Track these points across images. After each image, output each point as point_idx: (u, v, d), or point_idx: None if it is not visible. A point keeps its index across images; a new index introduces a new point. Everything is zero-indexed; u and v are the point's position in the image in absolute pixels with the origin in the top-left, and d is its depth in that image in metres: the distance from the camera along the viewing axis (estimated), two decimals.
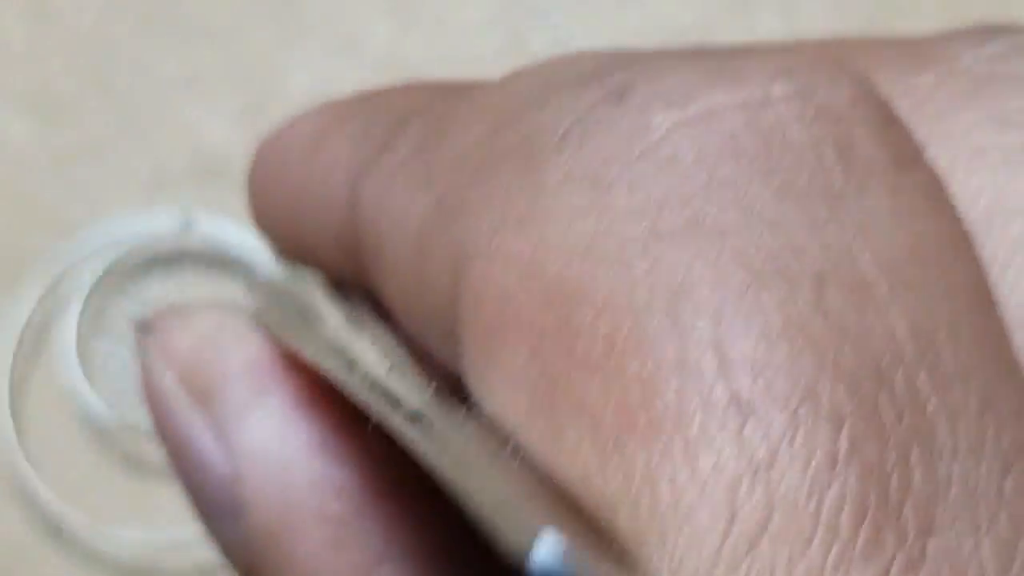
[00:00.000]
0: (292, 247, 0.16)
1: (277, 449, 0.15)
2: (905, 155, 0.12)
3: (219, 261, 0.40)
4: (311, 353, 0.15)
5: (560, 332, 0.11)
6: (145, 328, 0.17)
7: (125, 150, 0.41)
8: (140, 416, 0.38)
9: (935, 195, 0.12)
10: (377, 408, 0.13)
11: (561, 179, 0.11)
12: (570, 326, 0.11)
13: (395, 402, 0.13)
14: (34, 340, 0.39)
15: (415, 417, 0.13)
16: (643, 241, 0.11)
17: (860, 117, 0.11)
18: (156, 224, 0.39)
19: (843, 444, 0.10)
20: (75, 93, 0.42)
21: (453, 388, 0.13)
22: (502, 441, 0.12)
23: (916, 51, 0.13)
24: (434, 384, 0.13)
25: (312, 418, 0.15)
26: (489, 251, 0.12)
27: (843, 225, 0.11)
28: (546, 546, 0.10)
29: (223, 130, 0.41)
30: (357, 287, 0.16)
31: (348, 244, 0.15)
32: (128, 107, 0.42)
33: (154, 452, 0.38)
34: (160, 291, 0.40)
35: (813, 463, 0.10)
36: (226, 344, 0.16)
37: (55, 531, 0.37)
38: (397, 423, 0.13)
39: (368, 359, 0.14)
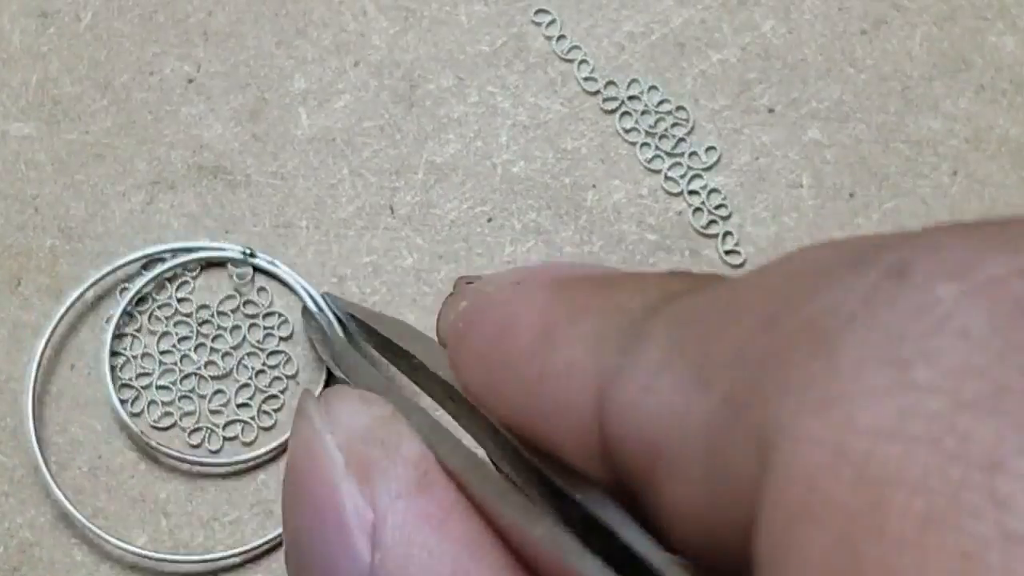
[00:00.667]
0: (511, 425, 0.17)
1: (426, 536, 0.15)
2: None
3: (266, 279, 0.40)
4: (486, 491, 0.16)
5: (871, 513, 0.11)
6: (314, 395, 0.18)
7: (126, 150, 0.41)
8: (164, 419, 0.38)
9: None
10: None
11: (856, 359, 0.12)
12: (881, 506, 0.11)
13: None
14: (61, 344, 0.39)
15: None
16: (949, 415, 0.11)
17: None
18: (222, 253, 0.40)
19: None
20: (76, 93, 0.42)
21: None
22: None
23: None
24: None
25: (467, 520, 0.16)
26: (793, 437, 0.12)
27: None
28: None
29: (223, 130, 0.41)
30: (591, 483, 0.16)
31: (592, 448, 0.15)
32: (129, 107, 0.42)
33: (174, 456, 0.38)
34: (193, 302, 0.40)
35: None
36: (401, 432, 0.17)
37: (69, 531, 0.37)
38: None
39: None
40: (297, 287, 0.39)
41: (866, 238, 0.13)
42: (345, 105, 0.42)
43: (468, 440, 0.19)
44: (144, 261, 0.40)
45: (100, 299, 0.40)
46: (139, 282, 0.39)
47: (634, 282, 0.16)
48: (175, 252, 0.40)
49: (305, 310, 0.39)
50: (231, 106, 0.42)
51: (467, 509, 0.16)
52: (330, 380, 0.39)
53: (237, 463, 0.38)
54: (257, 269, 0.40)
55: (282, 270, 0.40)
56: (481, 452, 0.18)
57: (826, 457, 0.11)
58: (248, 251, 0.39)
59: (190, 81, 0.42)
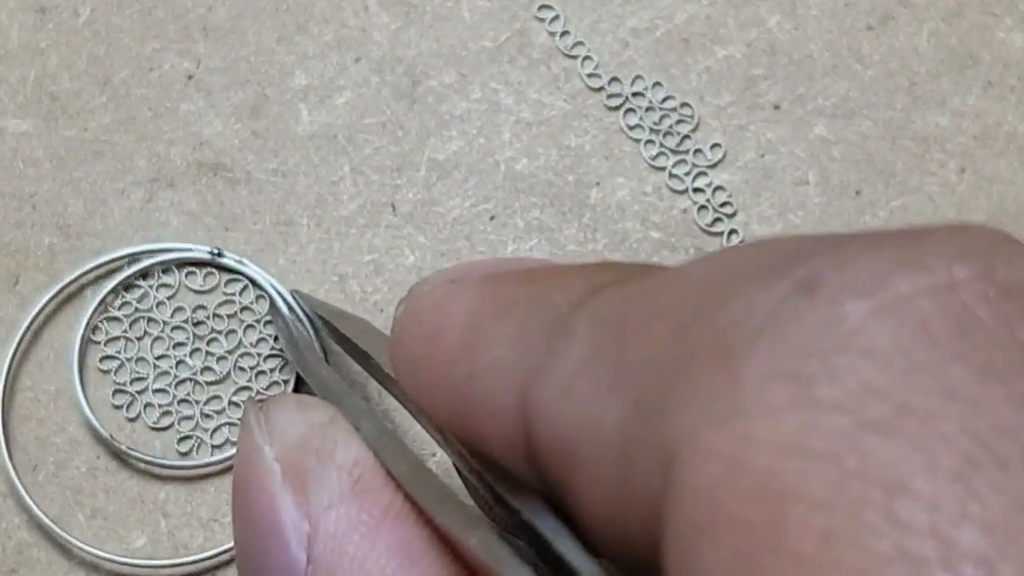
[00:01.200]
0: (446, 423, 0.16)
1: (356, 545, 0.15)
2: None
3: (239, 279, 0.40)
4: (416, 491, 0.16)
5: (769, 527, 0.11)
6: (257, 405, 0.18)
7: (125, 146, 0.41)
8: (138, 421, 0.38)
9: None
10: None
11: (760, 374, 0.12)
12: (780, 521, 0.11)
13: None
14: (35, 341, 0.39)
15: None
16: (850, 434, 0.11)
17: None
18: (188, 254, 0.39)
19: None
20: (74, 90, 0.41)
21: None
22: None
23: None
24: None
25: (401, 526, 0.15)
26: (694, 449, 0.12)
27: None
28: None
29: (223, 126, 0.41)
30: (528, 489, 0.16)
31: (517, 447, 0.15)
32: (128, 103, 0.41)
33: (149, 456, 0.38)
34: (169, 298, 0.39)
35: None
36: (336, 439, 0.17)
37: (50, 534, 0.37)
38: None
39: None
40: (266, 286, 0.39)
41: (784, 242, 0.13)
42: (346, 101, 0.41)
43: (428, 441, 0.19)
44: (107, 268, 0.39)
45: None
46: (106, 287, 0.39)
47: (562, 275, 0.16)
48: (141, 255, 0.39)
49: (272, 309, 0.38)
50: (231, 102, 0.41)
51: (402, 514, 0.16)
52: (299, 381, 0.38)
53: (202, 465, 0.38)
54: (226, 269, 0.39)
55: (250, 269, 0.39)
56: (440, 453, 0.18)
57: (726, 470, 0.11)
58: (216, 251, 0.39)
59: (190, 77, 0.42)
